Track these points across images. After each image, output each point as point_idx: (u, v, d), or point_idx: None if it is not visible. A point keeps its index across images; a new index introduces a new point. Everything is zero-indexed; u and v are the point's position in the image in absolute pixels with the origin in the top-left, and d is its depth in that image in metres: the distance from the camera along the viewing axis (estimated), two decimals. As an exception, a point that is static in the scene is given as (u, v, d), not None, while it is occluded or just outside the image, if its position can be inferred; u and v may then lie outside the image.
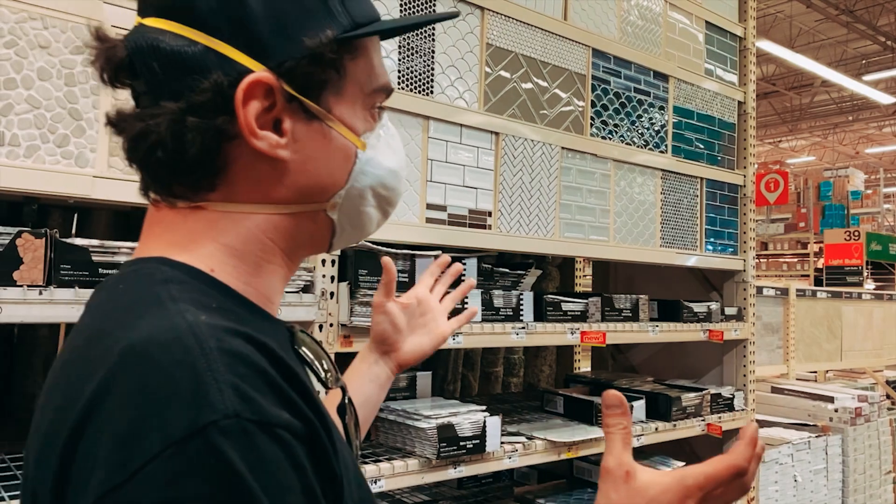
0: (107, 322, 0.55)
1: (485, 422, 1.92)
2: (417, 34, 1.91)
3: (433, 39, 1.95)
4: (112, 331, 0.52)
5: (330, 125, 0.63)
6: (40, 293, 1.28)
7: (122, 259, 1.40)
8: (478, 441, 1.90)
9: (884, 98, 14.10)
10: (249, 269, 0.63)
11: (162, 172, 0.61)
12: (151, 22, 0.60)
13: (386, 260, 1.04)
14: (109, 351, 0.50)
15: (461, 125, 1.99)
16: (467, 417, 1.91)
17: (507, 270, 2.23)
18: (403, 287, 1.81)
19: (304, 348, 0.69)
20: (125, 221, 1.96)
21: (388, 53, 1.84)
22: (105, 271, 1.37)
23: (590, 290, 3.75)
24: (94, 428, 0.47)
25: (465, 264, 2.07)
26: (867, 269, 10.41)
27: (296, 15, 0.60)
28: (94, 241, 1.38)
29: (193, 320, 0.52)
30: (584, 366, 3.54)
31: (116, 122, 0.62)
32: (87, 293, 1.30)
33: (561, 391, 2.59)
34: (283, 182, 0.63)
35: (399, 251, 1.81)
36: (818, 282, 10.65)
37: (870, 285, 10.09)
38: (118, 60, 0.60)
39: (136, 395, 0.47)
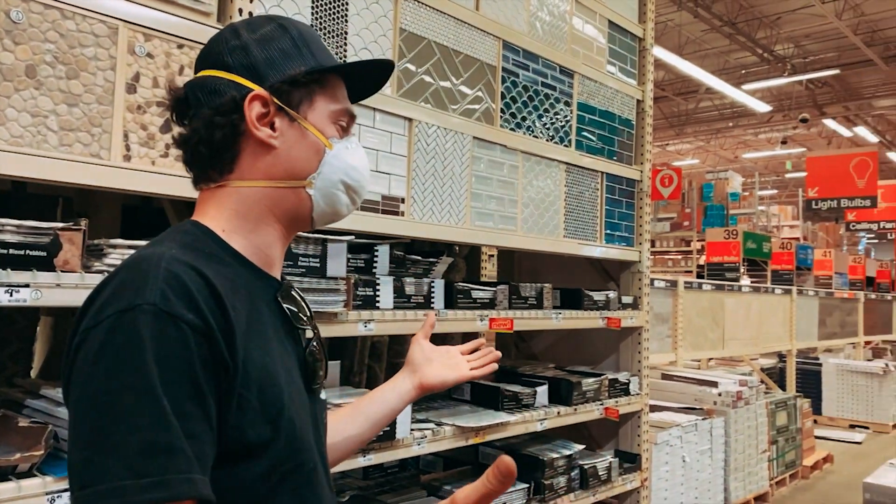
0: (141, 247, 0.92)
1: (395, 409, 1.91)
2: (330, 14, 1.87)
3: (346, 21, 1.92)
4: (138, 251, 0.88)
5: (305, 126, 0.97)
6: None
7: (6, 237, 1.29)
8: (387, 428, 1.89)
9: (760, 106, 15.14)
10: (250, 226, 0.96)
11: (203, 164, 0.96)
12: (200, 73, 0.99)
13: (430, 313, 1.50)
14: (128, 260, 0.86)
15: (374, 109, 1.97)
16: (377, 405, 1.89)
17: (418, 258, 2.22)
18: (315, 272, 1.77)
19: (284, 301, 0.97)
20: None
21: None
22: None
23: (495, 280, 3.81)
24: (96, 294, 0.83)
25: (377, 251, 2.05)
26: (744, 265, 11.14)
27: (281, 57, 0.97)
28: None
29: (167, 253, 0.83)
30: (487, 355, 3.59)
31: (177, 141, 0.98)
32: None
33: (467, 379, 2.61)
34: (276, 164, 0.96)
35: (311, 235, 1.76)
36: (700, 278, 11.31)
37: (746, 281, 10.83)
38: (179, 95, 0.98)
39: (118, 282, 0.81)
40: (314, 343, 1.01)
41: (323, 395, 1.05)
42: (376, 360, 3.12)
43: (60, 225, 1.36)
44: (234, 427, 0.81)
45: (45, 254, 1.33)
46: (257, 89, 0.94)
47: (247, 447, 0.83)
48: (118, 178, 1.45)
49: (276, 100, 0.95)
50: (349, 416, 1.25)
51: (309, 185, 0.97)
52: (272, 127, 0.95)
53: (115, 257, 1.44)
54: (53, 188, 1.90)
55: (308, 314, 1.03)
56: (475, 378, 1.38)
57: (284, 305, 0.97)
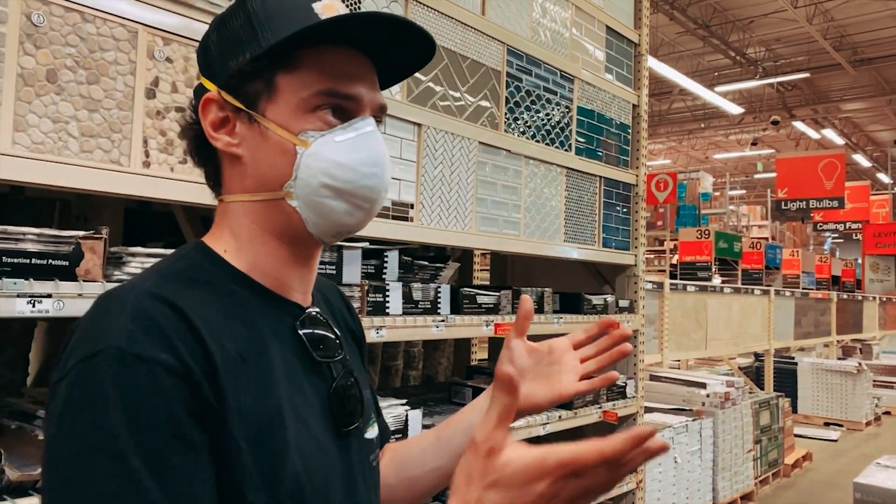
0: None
1: (407, 415, 1.91)
2: (343, 19, 1.85)
3: (357, 25, 1.90)
4: (113, 288, 0.76)
5: (266, 125, 0.79)
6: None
7: (28, 246, 1.26)
8: (400, 435, 1.88)
9: (732, 108, 15.41)
10: (247, 246, 0.82)
11: (208, 181, 0.86)
12: None
13: (524, 298, 0.97)
14: (99, 297, 0.75)
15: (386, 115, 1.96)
16: (389, 412, 1.89)
17: (426, 264, 2.22)
18: (330, 279, 1.76)
19: (302, 330, 0.82)
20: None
21: (314, 37, 1.77)
22: (9, 260, 1.23)
23: (488, 282, 3.82)
24: (68, 339, 0.71)
25: (387, 257, 2.04)
26: (715, 265, 11.30)
27: (232, 46, 0.79)
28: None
29: (139, 287, 0.72)
30: (480, 356, 3.60)
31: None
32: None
33: (469, 382, 2.62)
34: (246, 174, 0.81)
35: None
36: (673, 277, 11.46)
37: (717, 280, 11.00)
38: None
39: (84, 325, 0.71)
40: (349, 375, 0.85)
41: (370, 434, 0.89)
42: (370, 362, 3.11)
43: (82, 233, 1.33)
44: (226, 484, 0.69)
45: (66, 263, 1.31)
46: (211, 90, 0.80)
47: None
48: (138, 185, 1.42)
49: (230, 99, 0.79)
50: (434, 446, 1.02)
51: (289, 196, 0.79)
52: (234, 132, 0.80)
53: (135, 266, 1.41)
54: (50, 190, 1.85)
55: (339, 343, 0.86)
56: (581, 393, 1.03)
57: (303, 333, 0.81)
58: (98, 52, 1.37)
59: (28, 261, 1.26)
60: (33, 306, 1.25)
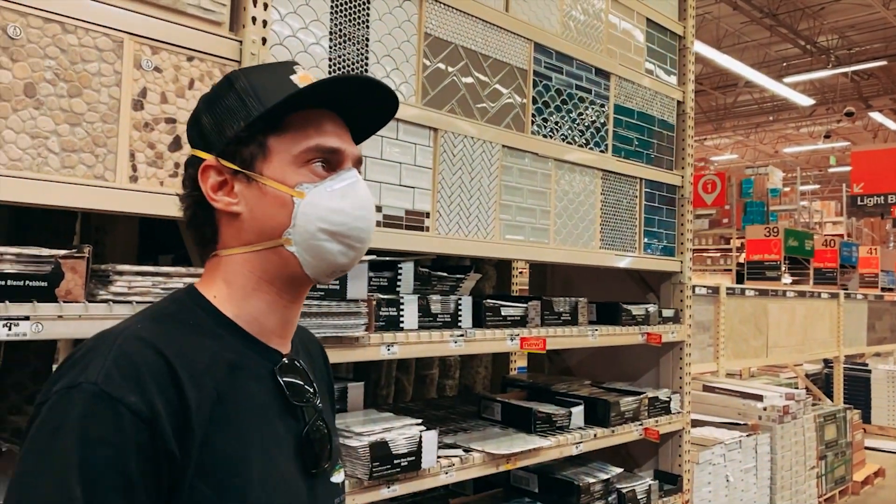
0: None
1: (421, 437, 1.81)
2: (350, 19, 1.77)
3: (367, 26, 1.81)
4: (109, 328, 0.85)
5: (263, 183, 0.89)
6: None
7: (6, 267, 1.22)
8: (413, 458, 1.78)
9: (803, 100, 14.68)
10: (239, 294, 0.90)
11: (197, 241, 0.95)
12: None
13: None
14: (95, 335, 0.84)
15: (398, 120, 1.86)
16: (402, 433, 1.79)
17: (445, 275, 2.11)
18: (334, 294, 1.68)
19: (283, 376, 0.90)
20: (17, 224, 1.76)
21: (317, 39, 1.69)
22: (-16, 282, 1.19)
23: (526, 289, 3.69)
24: (59, 365, 0.80)
25: (400, 268, 1.94)
26: (785, 264, 10.81)
27: (225, 117, 0.91)
28: (-29, 247, 1.20)
29: (129, 330, 0.81)
30: (520, 364, 3.47)
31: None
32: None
33: (498, 397, 2.50)
34: (245, 228, 0.90)
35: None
36: (739, 276, 11.01)
37: (787, 279, 10.50)
38: None
39: (75, 357, 0.78)
40: (321, 420, 0.93)
41: (336, 479, 0.96)
42: (404, 372, 3.02)
43: (62, 252, 1.28)
44: None
45: (45, 284, 1.26)
46: (209, 158, 0.90)
47: None
48: (124, 200, 1.37)
49: (227, 163, 0.89)
50: None
51: (287, 243, 0.89)
52: (232, 193, 0.90)
53: (122, 285, 1.36)
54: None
55: (314, 388, 0.95)
56: None
57: (282, 380, 0.89)
58: (80, 64, 1.32)
59: (4, 282, 1.21)
60: (10, 329, 1.20)
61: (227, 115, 0.91)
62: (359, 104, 0.95)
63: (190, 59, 1.46)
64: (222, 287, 0.90)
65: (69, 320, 1.27)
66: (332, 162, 0.91)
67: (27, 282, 1.24)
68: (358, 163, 0.95)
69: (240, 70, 0.95)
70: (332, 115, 0.93)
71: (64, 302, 1.27)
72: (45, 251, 1.27)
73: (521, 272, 3.37)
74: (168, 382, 0.77)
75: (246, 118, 0.89)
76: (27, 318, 1.22)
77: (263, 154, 0.89)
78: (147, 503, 0.73)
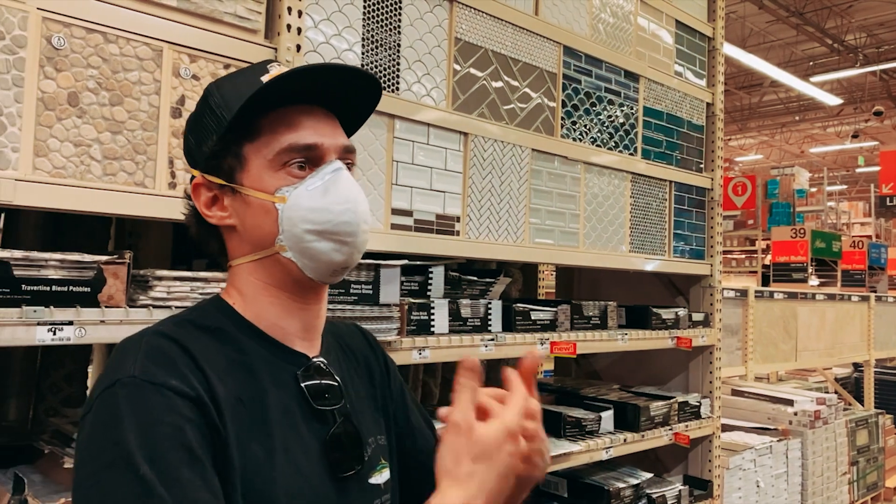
0: None
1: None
2: (382, 25, 1.78)
3: (399, 32, 1.82)
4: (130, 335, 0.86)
5: (246, 193, 0.88)
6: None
7: (50, 273, 1.24)
8: (445, 462, 1.78)
9: (830, 99, 14.47)
10: (254, 301, 0.91)
11: (213, 254, 0.95)
12: None
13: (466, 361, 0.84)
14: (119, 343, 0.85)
15: (428, 124, 1.87)
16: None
17: (474, 279, 2.11)
18: (367, 299, 1.69)
19: (305, 380, 0.89)
20: (55, 227, 1.79)
21: (350, 46, 1.70)
22: (29, 287, 1.21)
23: (553, 292, 3.67)
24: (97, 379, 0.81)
25: (431, 272, 1.95)
26: (811, 265, 10.66)
27: (204, 133, 0.90)
28: (18, 253, 1.22)
29: (157, 329, 0.83)
30: (547, 367, 3.46)
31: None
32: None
33: (527, 401, 2.49)
34: (242, 239, 0.91)
35: (363, 261, 1.67)
36: (765, 278, 10.86)
37: (814, 282, 10.35)
38: None
39: (106, 366, 0.79)
40: (349, 423, 0.90)
41: (377, 479, 0.93)
42: (430, 375, 3.02)
43: (104, 258, 1.31)
44: None
45: (88, 289, 1.28)
46: (197, 175, 0.91)
47: None
48: (163, 207, 1.39)
49: (212, 178, 0.90)
50: None
51: (282, 249, 0.88)
52: (224, 206, 0.90)
53: (161, 290, 1.38)
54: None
55: (342, 391, 0.92)
56: None
57: (305, 384, 0.88)
58: (121, 73, 1.34)
59: (49, 288, 1.24)
60: (54, 334, 1.23)
61: (203, 130, 0.90)
62: (345, 94, 0.92)
63: (227, 66, 1.48)
64: (238, 295, 0.91)
65: (111, 325, 1.29)
66: (312, 159, 0.88)
67: (71, 287, 1.26)
68: (347, 152, 0.92)
69: (215, 81, 0.94)
70: (310, 109, 0.90)
71: (106, 307, 1.30)
72: (88, 257, 1.29)
73: (549, 274, 3.36)
74: (198, 372, 0.78)
75: (218, 130, 0.88)
76: (70, 323, 1.25)
77: (241, 164, 0.88)
78: (211, 474, 0.74)
